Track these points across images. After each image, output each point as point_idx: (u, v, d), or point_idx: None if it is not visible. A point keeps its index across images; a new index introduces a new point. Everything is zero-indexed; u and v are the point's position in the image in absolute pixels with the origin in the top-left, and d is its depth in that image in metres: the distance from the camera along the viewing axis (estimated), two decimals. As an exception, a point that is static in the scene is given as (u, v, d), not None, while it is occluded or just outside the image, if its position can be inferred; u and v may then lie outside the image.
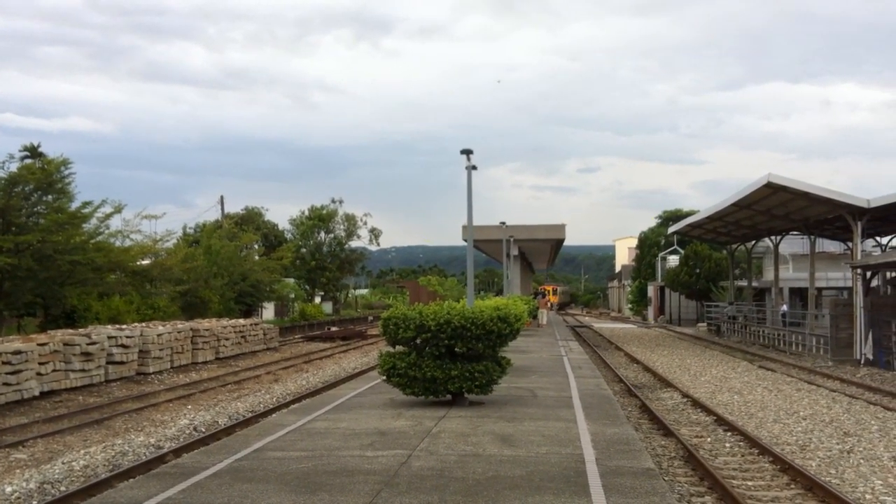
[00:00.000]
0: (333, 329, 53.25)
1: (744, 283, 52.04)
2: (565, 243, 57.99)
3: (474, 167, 25.27)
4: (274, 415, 16.45)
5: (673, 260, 71.94)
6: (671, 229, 52.36)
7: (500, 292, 60.18)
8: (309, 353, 36.90)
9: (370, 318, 68.44)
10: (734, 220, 41.09)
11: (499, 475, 9.43)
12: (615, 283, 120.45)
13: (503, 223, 45.67)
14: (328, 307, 72.09)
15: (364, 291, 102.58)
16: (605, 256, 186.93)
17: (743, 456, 13.91)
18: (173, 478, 9.42)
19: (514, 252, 48.03)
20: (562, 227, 49.65)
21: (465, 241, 46.60)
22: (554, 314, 76.34)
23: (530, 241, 50.30)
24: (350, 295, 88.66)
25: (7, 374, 19.20)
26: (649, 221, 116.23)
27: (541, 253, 63.47)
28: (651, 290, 76.51)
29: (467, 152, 24.67)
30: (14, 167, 31.47)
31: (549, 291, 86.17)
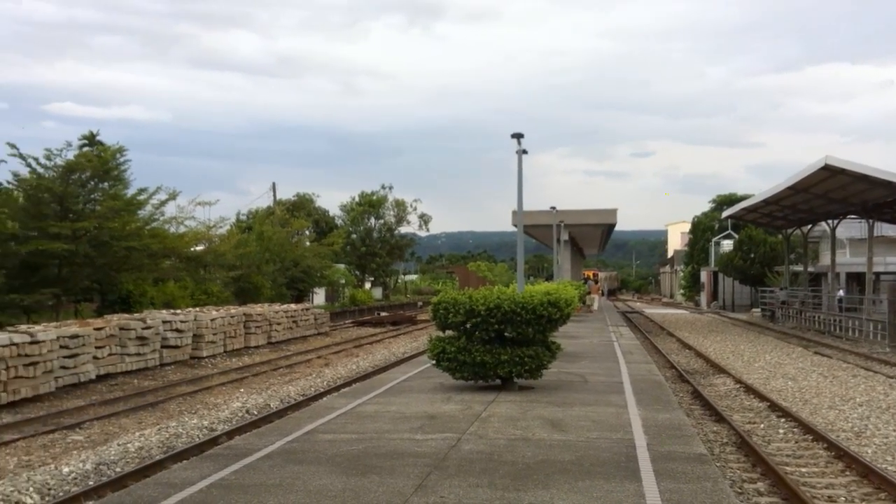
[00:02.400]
0: (383, 314, 53.53)
1: (799, 267, 51.10)
2: (616, 228, 57.47)
3: (525, 151, 25.15)
4: (325, 398, 16.57)
5: (727, 245, 70.90)
6: (725, 213, 51.57)
7: (549, 278, 59.92)
8: (359, 338, 37.14)
9: (419, 303, 68.64)
10: (790, 204, 40.29)
11: (548, 459, 9.38)
12: (667, 268, 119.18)
13: (553, 208, 45.37)
14: (378, 293, 72.50)
15: (413, 277, 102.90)
16: (657, 242, 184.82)
17: (797, 442, 13.67)
18: (226, 459, 9.54)
19: (565, 237, 47.73)
20: (613, 212, 49.19)
21: (515, 226, 46.39)
22: (604, 300, 75.83)
23: (581, 226, 49.91)
24: (399, 280, 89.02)
25: (65, 357, 19.61)
26: (702, 206, 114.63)
27: (591, 238, 62.97)
28: (704, 276, 75.54)
29: (518, 136, 24.54)
30: (71, 155, 32.10)
31: (589, 277, 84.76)
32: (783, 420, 15.56)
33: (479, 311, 14.22)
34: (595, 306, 49.66)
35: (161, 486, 8.37)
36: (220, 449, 10.65)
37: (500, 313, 14.17)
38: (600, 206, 52.62)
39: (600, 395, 14.48)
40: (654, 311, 68.16)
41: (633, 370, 18.39)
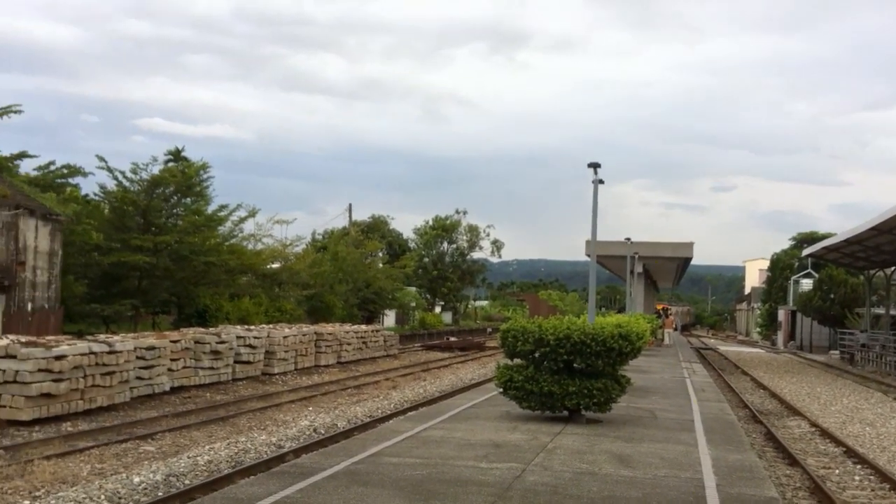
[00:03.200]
0: (452, 339, 53.58)
1: (881, 310, 49.48)
2: (693, 263, 56.60)
3: (601, 181, 25.02)
4: (391, 421, 16.63)
5: (806, 284, 69.10)
6: (806, 252, 50.34)
7: (621, 310, 59.22)
8: (427, 362, 37.21)
9: (489, 329, 68.54)
10: (873, 245, 39.14)
11: (614, 495, 9.25)
12: (743, 305, 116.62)
13: (628, 239, 44.92)
14: (448, 317, 72.65)
15: (484, 303, 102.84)
16: (734, 278, 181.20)
17: (873, 490, 13.20)
18: (292, 477, 9.64)
19: (639, 269, 47.18)
20: (689, 245, 48.46)
21: (588, 255, 46.01)
22: (678, 335, 74.57)
23: (655, 259, 49.30)
24: (470, 306, 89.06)
25: (141, 368, 20.09)
26: (782, 243, 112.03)
27: (666, 271, 62.10)
28: (781, 314, 73.69)
29: (594, 166, 24.45)
30: (157, 170, 33.08)
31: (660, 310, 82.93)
32: (859, 466, 15.05)
33: (548, 340, 14.14)
34: (667, 341, 48.82)
35: (228, 501, 8.50)
36: (287, 466, 10.78)
37: (569, 343, 14.07)
38: (677, 239, 51.87)
39: (670, 432, 14.22)
40: (728, 348, 66.71)
41: (704, 408, 18.02)
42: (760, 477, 10.85)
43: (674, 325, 62.98)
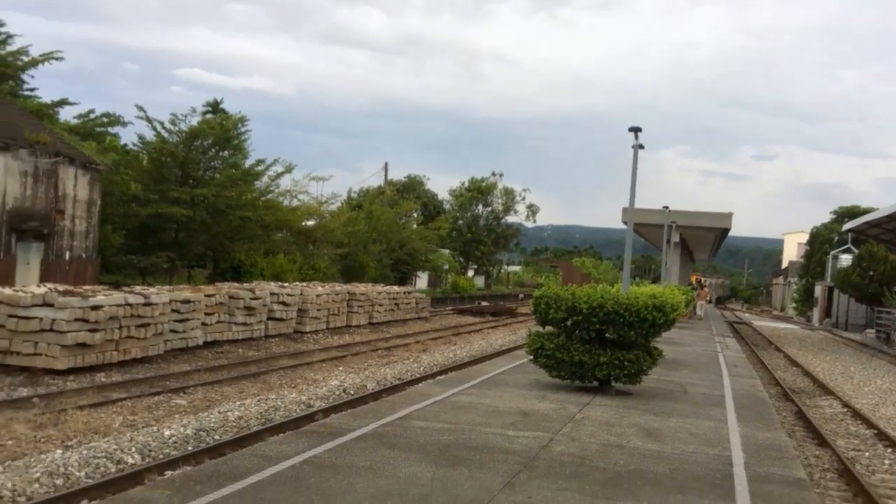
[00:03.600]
0: (484, 304, 53.60)
1: (922, 290, 48.59)
2: (730, 234, 55.91)
3: (641, 146, 24.60)
4: (420, 384, 16.68)
5: (845, 259, 68.00)
6: (846, 226, 49.54)
7: (656, 280, 58.81)
8: (458, 326, 37.26)
9: (521, 295, 68.46)
10: (917, 223, 38.39)
11: (641, 469, 9.19)
12: (780, 279, 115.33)
13: (666, 207, 44.40)
14: (480, 281, 72.64)
15: (517, 268, 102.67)
16: (771, 251, 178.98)
17: (906, 476, 13.01)
18: (321, 437, 9.70)
19: (675, 239, 46.71)
20: (728, 216, 47.83)
21: (625, 223, 45.57)
22: (712, 308, 74.02)
23: (693, 229, 48.74)
24: (502, 271, 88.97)
25: (175, 321, 20.30)
26: (823, 217, 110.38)
27: (703, 242, 61.46)
28: (818, 290, 72.73)
29: (635, 130, 24.03)
30: (195, 121, 33.17)
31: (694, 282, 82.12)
32: (890, 450, 14.84)
33: (581, 308, 14.02)
34: (700, 313, 48.43)
35: (257, 458, 8.56)
36: (316, 426, 10.85)
37: (602, 313, 13.95)
38: (715, 209, 51.24)
39: (700, 407, 14.10)
40: (762, 323, 66.11)
41: (736, 384, 17.85)
42: (790, 457, 10.72)
43: (708, 298, 62.27)
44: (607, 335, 14.34)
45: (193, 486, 7.36)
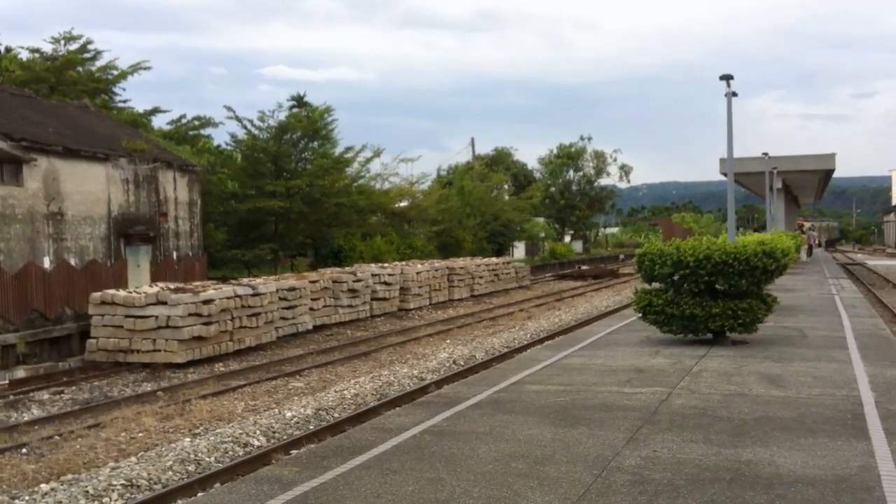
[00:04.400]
0: (584, 268, 53.05)
1: None
2: (834, 175, 53.84)
3: (734, 94, 23.86)
4: (529, 350, 16.62)
5: (961, 190, 64.76)
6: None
7: (759, 229, 57.17)
8: (560, 292, 37.01)
9: (621, 256, 67.51)
10: None
11: (767, 416, 8.93)
12: (891, 216, 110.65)
13: (765, 154, 43.02)
14: (578, 246, 71.96)
15: (614, 230, 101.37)
16: (879, 189, 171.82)
17: None
18: (437, 407, 9.74)
19: (778, 185, 45.24)
20: (831, 157, 46.05)
21: (724, 174, 44.35)
22: (821, 251, 71.60)
23: (795, 173, 47.11)
24: (600, 233, 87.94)
25: (284, 308, 20.75)
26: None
27: (807, 186, 59.38)
28: (934, 224, 69.48)
29: (727, 78, 23.33)
30: (282, 116, 33.77)
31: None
32: None
33: (687, 262, 13.70)
34: (803, 257, 46.84)
35: (377, 431, 8.66)
36: (431, 397, 10.92)
37: (710, 264, 13.59)
38: (817, 151, 49.07)
39: (821, 350, 13.63)
40: (877, 262, 63.51)
41: (856, 324, 17.19)
42: (924, 393, 10.26)
43: (808, 242, 59.76)
44: (717, 286, 13.98)
45: (320, 462, 7.48)
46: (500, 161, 67.68)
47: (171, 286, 18.62)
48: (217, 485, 8.99)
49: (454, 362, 16.87)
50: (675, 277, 14.03)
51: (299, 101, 41.62)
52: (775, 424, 8.54)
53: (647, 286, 14.94)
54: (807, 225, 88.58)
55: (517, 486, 6.65)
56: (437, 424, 8.83)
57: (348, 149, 35.81)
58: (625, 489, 6.52)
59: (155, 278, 22.61)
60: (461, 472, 7.03)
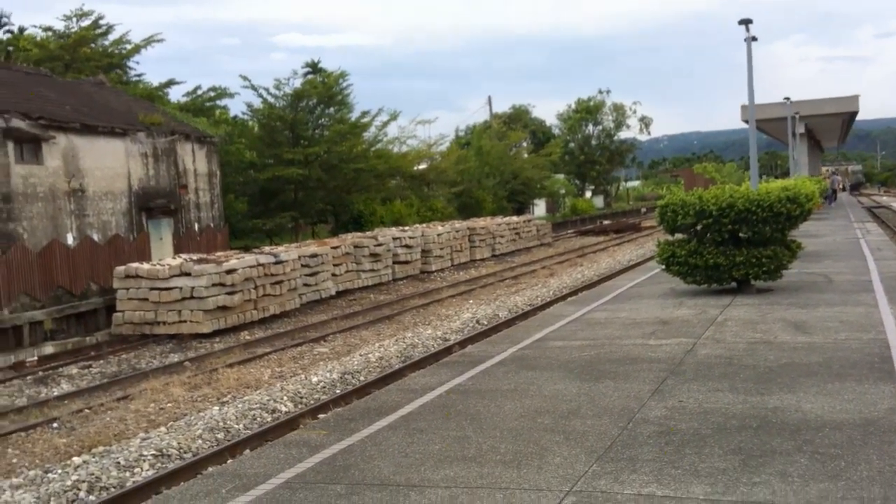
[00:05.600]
0: (606, 223, 52.82)
1: None
2: (857, 118, 53.03)
3: (754, 38, 23.48)
4: (552, 307, 16.59)
5: None
6: None
7: (782, 175, 56.57)
8: (582, 248, 36.90)
9: (643, 209, 67.12)
10: None
11: (793, 362, 8.87)
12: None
13: (787, 99, 42.42)
14: (599, 201, 71.55)
15: (636, 183, 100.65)
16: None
17: None
18: (462, 366, 9.76)
19: (800, 130, 44.66)
20: (854, 99, 45.37)
21: (745, 121, 43.76)
22: (846, 195, 70.83)
23: (818, 117, 46.47)
24: (621, 187, 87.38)
25: (306, 275, 20.82)
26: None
27: (830, 130, 58.58)
28: (961, 164, 68.40)
29: (746, 22, 22.95)
30: (298, 83, 33.63)
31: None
32: None
33: (710, 211, 13.58)
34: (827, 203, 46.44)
35: (403, 392, 8.70)
36: (456, 357, 10.94)
37: (733, 213, 13.46)
38: (839, 95, 48.37)
39: (847, 294, 13.50)
40: (902, 204, 62.83)
41: (882, 268, 17.01)
42: (953, 333, 10.15)
43: (831, 188, 58.89)
44: (741, 234, 13.86)
45: (347, 424, 7.53)
46: (517, 119, 67.23)
47: (194, 257, 18.72)
48: (247, 451, 9.09)
49: (477, 322, 16.89)
50: (698, 227, 13.92)
51: (314, 68, 41.43)
52: (801, 371, 8.49)
53: (669, 237, 14.83)
54: (829, 170, 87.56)
55: (543, 441, 6.66)
56: (463, 383, 8.85)
57: (364, 113, 35.68)
58: (651, 440, 6.51)
59: (178, 250, 22.74)
60: (487, 430, 7.05)
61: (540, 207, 59.32)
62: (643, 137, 79.67)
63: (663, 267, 14.73)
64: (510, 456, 6.34)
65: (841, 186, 69.01)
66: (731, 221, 13.55)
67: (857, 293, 13.56)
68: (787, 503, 5.18)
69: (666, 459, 6.05)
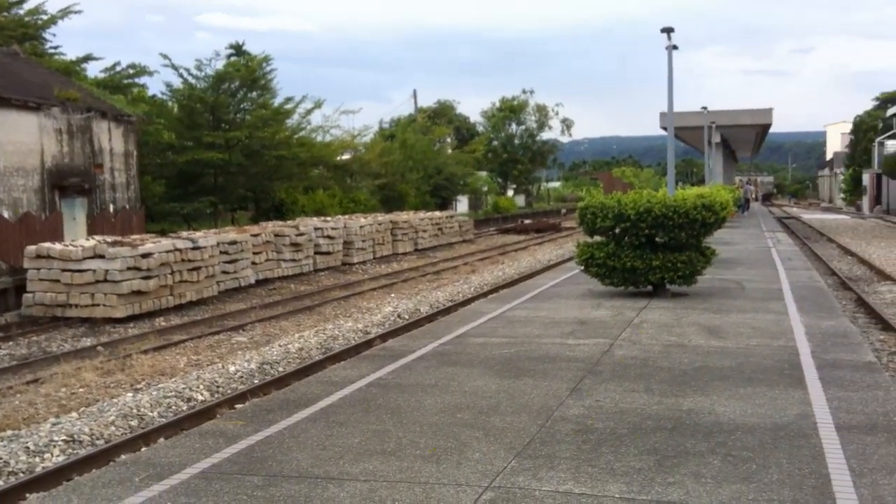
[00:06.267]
0: (527, 222, 53.38)
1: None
2: (771, 130, 54.75)
3: (675, 47, 24.00)
4: (474, 303, 16.70)
5: (891, 145, 66.39)
6: (891, 111, 48.20)
7: (697, 183, 58.02)
8: (503, 245, 37.22)
9: (563, 210, 68.06)
10: (967, 99, 37.19)
11: (706, 366, 9.12)
12: (826, 171, 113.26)
13: (705, 108, 43.53)
14: (520, 200, 72.24)
15: (556, 184, 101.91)
16: (814, 144, 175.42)
17: (976, 355, 12.78)
18: (382, 360, 9.75)
19: (716, 139, 45.88)
20: (768, 112, 46.81)
21: (664, 128, 44.65)
22: (758, 205, 73.03)
23: (733, 128, 47.81)
24: (542, 188, 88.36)
25: (225, 262, 20.48)
26: (865, 105, 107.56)
27: (745, 140, 60.34)
28: (866, 179, 71.30)
29: (668, 31, 23.44)
30: (220, 65, 33.02)
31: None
32: (958, 331, 14.57)
33: (628, 215, 13.85)
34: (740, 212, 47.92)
35: (323, 385, 8.64)
36: (376, 350, 10.91)
37: (650, 217, 13.77)
38: (756, 106, 49.96)
39: (759, 301, 13.95)
40: (812, 216, 65.13)
41: (792, 277, 17.62)
42: (856, 342, 10.59)
43: (745, 197, 60.93)
44: (657, 239, 14.18)
45: (265, 415, 7.45)
46: (442, 114, 67.33)
47: (109, 239, 18.24)
48: (161, 440, 8.93)
49: (399, 316, 16.87)
50: (617, 231, 14.18)
51: (238, 50, 40.77)
52: (715, 374, 8.73)
53: (588, 239, 15.07)
54: (742, 180, 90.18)
55: (463, 436, 6.70)
56: (384, 377, 8.84)
57: (288, 99, 35.30)
58: (569, 438, 6.62)
59: (91, 231, 22.14)
60: (407, 424, 7.06)
61: (462, 204, 59.58)
62: (565, 139, 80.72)
63: (582, 268, 14.96)
64: (429, 451, 6.36)
65: (754, 196, 71.13)
66: (649, 226, 13.85)
67: (769, 301, 14.01)
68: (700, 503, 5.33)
69: (583, 457, 6.16)
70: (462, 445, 6.47)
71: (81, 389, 11.30)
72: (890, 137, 69.05)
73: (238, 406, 9.36)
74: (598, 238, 14.81)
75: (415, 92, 61.10)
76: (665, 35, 24.02)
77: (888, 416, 7.15)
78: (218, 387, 11.13)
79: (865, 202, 70.94)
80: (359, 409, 7.60)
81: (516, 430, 6.83)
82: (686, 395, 7.88)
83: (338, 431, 6.88)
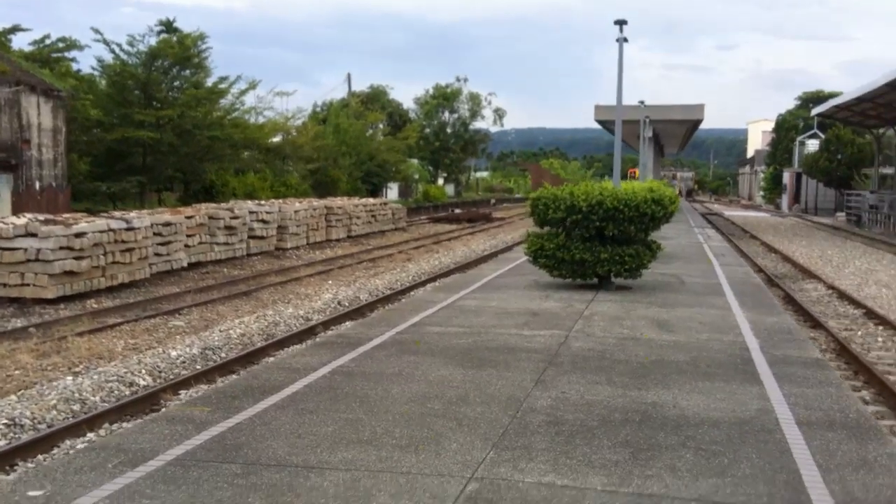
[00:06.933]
0: (458, 211, 53.48)
1: (889, 170, 49.25)
2: (696, 127, 55.86)
3: (626, 40, 24.09)
4: (420, 291, 16.61)
5: (812, 145, 68.53)
6: (815, 111, 49.64)
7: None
8: (437, 234, 37.17)
9: (492, 200, 68.43)
10: (885, 102, 38.54)
11: (662, 359, 9.21)
12: (746, 168, 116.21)
13: (642, 102, 44.07)
14: (450, 189, 72.37)
15: (485, 174, 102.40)
16: (735, 140, 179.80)
17: (898, 351, 13.25)
18: (341, 347, 9.58)
19: (649, 134, 46.62)
20: (700, 108, 47.74)
21: (598, 121, 45.12)
22: (682, 201, 74.56)
23: (666, 123, 48.61)
24: (471, 177, 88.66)
25: (158, 244, 19.94)
26: (787, 104, 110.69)
27: (674, 136, 61.46)
28: (786, 177, 73.41)
29: (620, 23, 23.51)
30: (152, 41, 32.12)
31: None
32: (881, 328, 15.06)
33: (580, 207, 13.92)
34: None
35: (285, 371, 8.43)
36: (332, 337, 10.74)
37: (602, 210, 13.86)
38: (680, 102, 50.88)
39: (701, 296, 14.18)
40: (733, 213, 66.79)
41: (728, 272, 17.98)
42: (801, 339, 10.85)
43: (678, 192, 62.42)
44: (606, 232, 14.27)
45: (231, 402, 7.23)
46: (375, 99, 66.87)
47: (41, 217, 17.55)
48: (105, 425, 8.63)
49: (339, 303, 16.68)
50: (568, 222, 14.23)
51: (168, 27, 39.65)
52: (672, 368, 8.81)
53: (538, 230, 15.10)
54: (667, 175, 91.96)
55: (437, 426, 6.61)
56: (345, 365, 8.69)
57: (222, 79, 34.51)
58: (542, 429, 6.59)
59: (17, 209, 21.33)
60: (379, 413, 6.94)
61: (393, 191, 59.39)
62: (494, 129, 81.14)
63: (531, 259, 14.98)
64: (406, 440, 6.26)
65: (678, 192, 72.60)
66: (600, 219, 13.94)
67: (710, 296, 14.26)
68: (681, 497, 5.34)
69: (559, 449, 6.13)
70: (438, 436, 6.38)
71: (17, 371, 10.85)
72: (810, 137, 71.24)
73: (182, 392, 9.13)
74: (548, 229, 14.84)
75: (349, 76, 60.59)
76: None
77: (844, 413, 7.31)
78: (160, 371, 10.84)
79: (785, 200, 73.08)
80: (326, 397, 7.44)
81: (489, 421, 6.77)
82: (648, 389, 7.93)
83: (309, 419, 6.72)
